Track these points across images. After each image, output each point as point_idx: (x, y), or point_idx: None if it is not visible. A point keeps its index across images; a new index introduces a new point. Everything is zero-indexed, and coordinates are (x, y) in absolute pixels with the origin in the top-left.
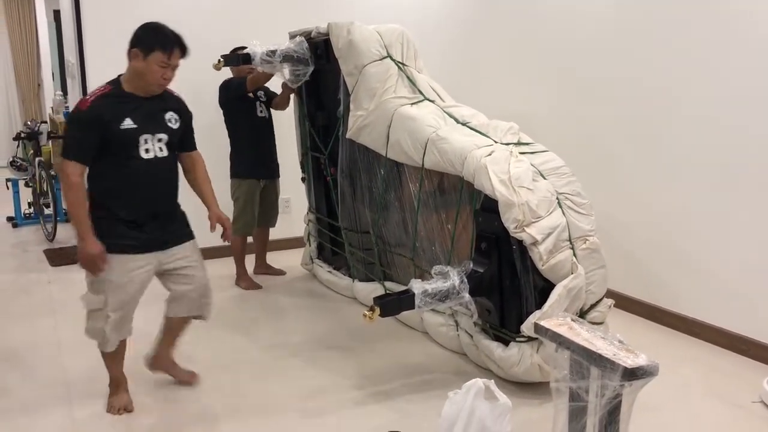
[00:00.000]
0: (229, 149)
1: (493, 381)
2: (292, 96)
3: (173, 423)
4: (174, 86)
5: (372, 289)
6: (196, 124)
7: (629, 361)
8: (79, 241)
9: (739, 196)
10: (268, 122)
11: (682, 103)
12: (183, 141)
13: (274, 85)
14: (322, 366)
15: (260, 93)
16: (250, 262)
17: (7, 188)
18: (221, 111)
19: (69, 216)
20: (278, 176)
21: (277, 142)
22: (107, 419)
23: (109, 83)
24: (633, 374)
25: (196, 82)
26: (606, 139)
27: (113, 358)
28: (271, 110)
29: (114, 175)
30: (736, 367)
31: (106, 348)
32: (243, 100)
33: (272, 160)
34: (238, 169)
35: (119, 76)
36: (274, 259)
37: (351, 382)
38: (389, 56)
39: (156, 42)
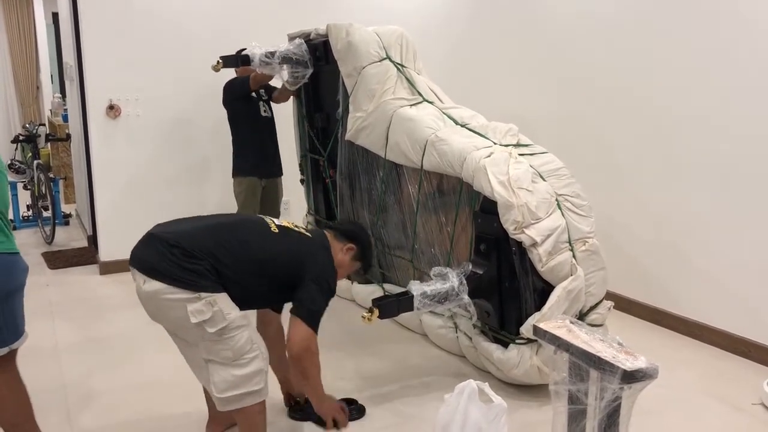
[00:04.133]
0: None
1: (487, 383)
2: (292, 98)
3: (172, 427)
4: (176, 89)
5: (371, 291)
6: (200, 124)
7: (628, 363)
8: (321, 403)
9: (739, 198)
10: (272, 121)
11: (683, 105)
12: None
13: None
14: (321, 367)
15: (261, 92)
16: None
17: None
18: (225, 111)
19: (307, 387)
20: (280, 174)
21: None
22: (104, 423)
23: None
24: (632, 377)
25: (197, 83)
26: (606, 141)
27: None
28: (273, 109)
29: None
30: (737, 370)
31: (264, 394)
32: (247, 100)
33: (275, 159)
34: (241, 168)
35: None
36: None
37: (350, 384)
38: (388, 57)
39: (368, 259)
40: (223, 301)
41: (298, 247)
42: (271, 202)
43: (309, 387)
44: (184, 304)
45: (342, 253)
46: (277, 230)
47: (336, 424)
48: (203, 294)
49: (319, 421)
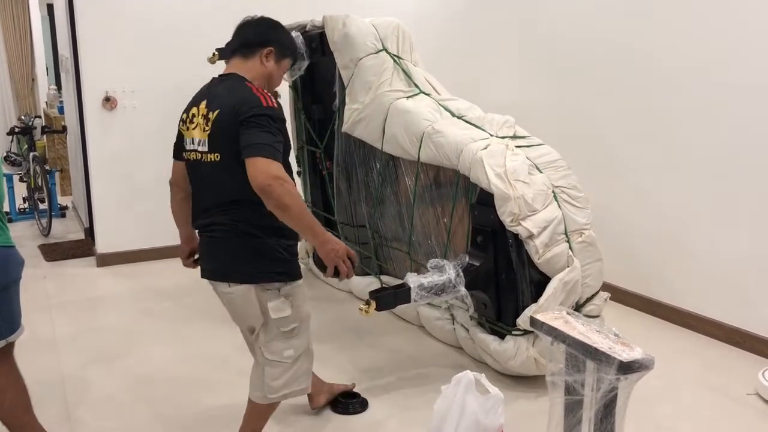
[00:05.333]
0: None
1: (483, 374)
2: (288, 90)
3: (170, 419)
4: (172, 80)
5: (368, 283)
6: None
7: (625, 354)
8: (322, 245)
9: (735, 189)
10: None
11: (680, 96)
12: None
13: None
14: (318, 360)
15: None
16: None
17: None
18: None
19: (298, 224)
20: None
21: None
22: (101, 415)
23: (251, 83)
24: (629, 368)
25: (194, 75)
26: (602, 133)
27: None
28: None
29: None
30: (732, 360)
31: (308, 389)
32: None
33: None
34: None
35: (243, 79)
36: None
37: (347, 376)
38: (385, 49)
39: (292, 50)
40: (296, 294)
41: (222, 125)
42: None
43: (294, 222)
44: (266, 301)
45: (264, 63)
46: (207, 151)
47: (337, 273)
48: (282, 289)
49: (322, 266)
